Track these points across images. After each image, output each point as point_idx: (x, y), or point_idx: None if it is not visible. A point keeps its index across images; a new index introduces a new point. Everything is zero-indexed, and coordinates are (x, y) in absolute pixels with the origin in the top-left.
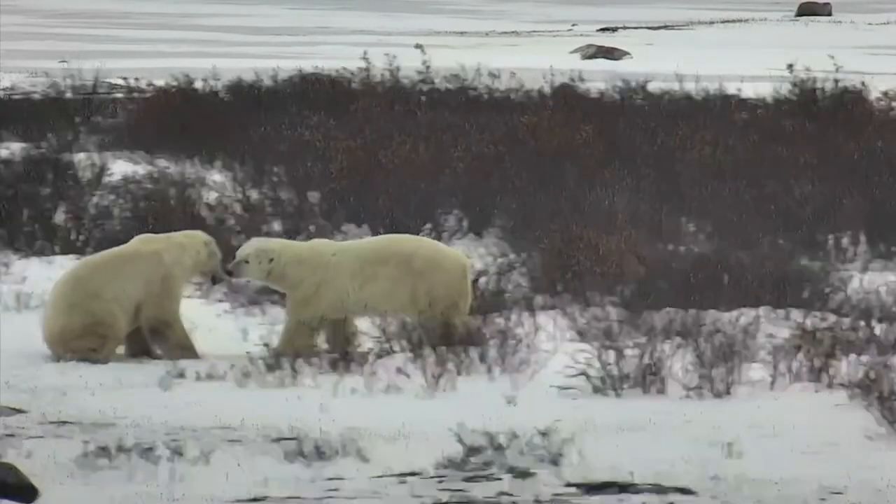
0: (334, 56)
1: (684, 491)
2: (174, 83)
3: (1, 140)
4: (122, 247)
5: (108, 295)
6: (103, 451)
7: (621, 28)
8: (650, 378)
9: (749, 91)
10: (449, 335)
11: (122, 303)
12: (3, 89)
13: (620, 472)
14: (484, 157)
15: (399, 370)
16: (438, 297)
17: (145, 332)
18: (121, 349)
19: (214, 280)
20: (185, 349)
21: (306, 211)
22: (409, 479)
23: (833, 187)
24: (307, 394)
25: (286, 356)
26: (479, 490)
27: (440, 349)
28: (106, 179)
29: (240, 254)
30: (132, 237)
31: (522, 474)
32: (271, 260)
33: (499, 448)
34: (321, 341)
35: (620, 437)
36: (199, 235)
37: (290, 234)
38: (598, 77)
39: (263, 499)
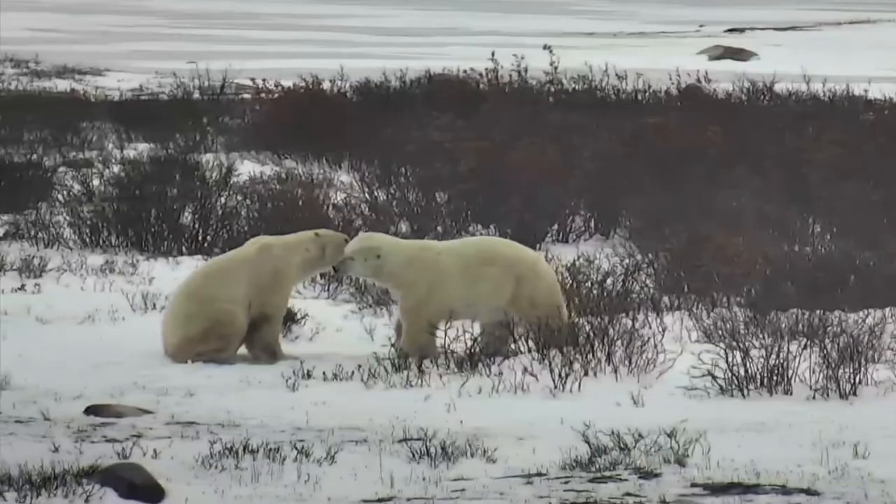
0: (463, 57)
1: (809, 492)
2: (302, 84)
3: (129, 141)
4: (233, 251)
5: (223, 298)
6: (230, 451)
7: (749, 29)
8: (776, 379)
9: (876, 92)
10: (554, 335)
11: (239, 303)
12: (131, 90)
13: (746, 472)
14: (611, 157)
15: (526, 370)
16: (539, 302)
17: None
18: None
19: (327, 275)
20: (269, 351)
21: (433, 211)
22: (534, 479)
23: None
24: (434, 394)
25: (412, 357)
26: (604, 491)
27: (567, 349)
28: (233, 180)
29: (347, 250)
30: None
31: (648, 475)
32: (378, 256)
33: (624, 448)
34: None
35: (746, 438)
36: (308, 233)
37: (417, 234)
38: (725, 78)
39: (389, 499)
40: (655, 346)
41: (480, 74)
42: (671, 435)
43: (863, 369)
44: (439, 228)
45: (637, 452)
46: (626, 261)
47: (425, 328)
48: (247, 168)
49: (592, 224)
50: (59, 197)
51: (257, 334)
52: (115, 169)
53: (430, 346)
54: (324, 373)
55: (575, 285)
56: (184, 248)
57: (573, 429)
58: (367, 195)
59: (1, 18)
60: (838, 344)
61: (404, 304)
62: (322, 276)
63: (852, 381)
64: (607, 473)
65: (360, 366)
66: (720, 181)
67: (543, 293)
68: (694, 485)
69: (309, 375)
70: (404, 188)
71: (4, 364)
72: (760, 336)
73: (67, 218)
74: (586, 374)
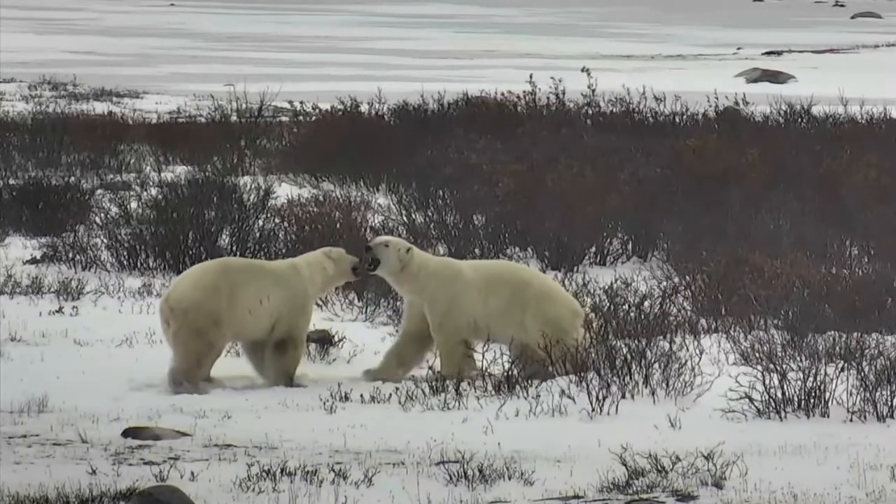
0: (500, 79)
1: None
2: (340, 106)
3: (167, 163)
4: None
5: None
6: (267, 473)
7: (786, 52)
8: (813, 401)
9: None
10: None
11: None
12: (169, 112)
13: (783, 495)
14: (648, 180)
15: (563, 393)
16: (548, 325)
17: (268, 348)
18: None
19: (357, 273)
20: (289, 375)
21: (471, 234)
22: (571, 502)
23: None
24: (471, 416)
25: (450, 379)
26: None
27: (604, 372)
28: (271, 203)
29: (378, 239)
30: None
31: (685, 497)
32: (409, 250)
33: (662, 471)
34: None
35: (783, 461)
36: (320, 252)
37: (455, 257)
38: (763, 100)
39: None
40: (693, 368)
41: (518, 97)
42: (708, 457)
43: None
44: (477, 251)
45: (674, 475)
46: (664, 283)
47: (457, 344)
48: (284, 191)
49: (630, 246)
50: (97, 219)
51: (281, 358)
52: (153, 191)
53: (466, 364)
54: (361, 395)
55: (612, 308)
56: None
57: (610, 451)
58: (404, 218)
59: (40, 41)
60: (875, 366)
61: (432, 322)
62: (358, 295)
63: (889, 403)
64: (644, 496)
65: (397, 388)
66: (757, 203)
67: (553, 320)
68: None
69: (347, 398)
70: (442, 211)
71: (42, 387)
72: (798, 358)
73: (105, 240)
74: (623, 396)
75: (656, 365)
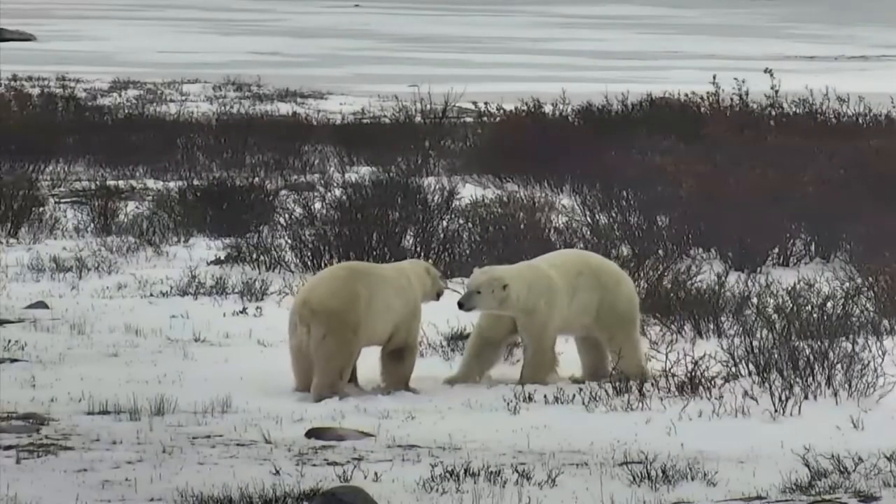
0: (684, 80)
1: None
2: (524, 107)
3: (351, 164)
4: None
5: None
6: (450, 474)
7: None
8: None
9: None
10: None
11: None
12: (353, 113)
13: None
14: (831, 181)
15: (746, 394)
16: (621, 311)
17: (384, 356)
18: None
19: (438, 297)
20: (406, 381)
21: (654, 235)
22: (754, 502)
23: None
24: (654, 417)
25: (535, 385)
26: None
27: (787, 373)
28: (455, 203)
29: (471, 284)
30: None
31: (868, 498)
32: (505, 286)
33: (844, 472)
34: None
35: None
36: (423, 263)
37: (639, 258)
38: None
39: None
40: (875, 369)
41: (701, 98)
42: (891, 458)
43: None
44: (660, 252)
45: (857, 476)
46: (847, 284)
47: (551, 350)
48: (468, 191)
49: (813, 247)
50: (281, 220)
51: (399, 365)
52: (337, 192)
53: (553, 367)
54: (545, 396)
55: (795, 309)
56: None
57: (793, 452)
58: (588, 218)
59: (224, 42)
60: None
61: (531, 330)
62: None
63: None
64: (827, 497)
65: (580, 389)
66: None
67: (624, 302)
68: None
69: (530, 398)
70: (626, 211)
71: (226, 387)
72: None
73: (289, 241)
74: (806, 397)
75: (839, 366)
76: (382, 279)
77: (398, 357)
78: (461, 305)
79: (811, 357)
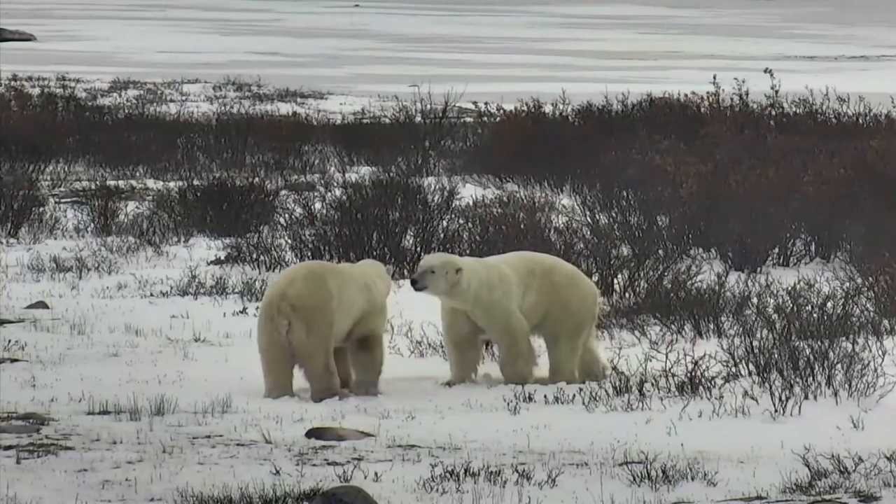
0: (684, 80)
1: None
2: (524, 107)
3: (351, 164)
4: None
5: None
6: (451, 474)
7: None
8: None
9: None
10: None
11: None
12: (354, 113)
13: None
14: (832, 181)
15: (746, 394)
16: (572, 311)
17: (352, 349)
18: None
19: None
20: (377, 374)
21: (655, 235)
22: (754, 502)
23: None
24: (654, 417)
25: (517, 382)
26: None
27: (787, 373)
28: (455, 203)
29: (424, 264)
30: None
31: (868, 498)
32: (458, 271)
33: (844, 472)
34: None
35: None
36: (380, 264)
37: (639, 258)
38: None
39: None
40: (876, 369)
41: (702, 98)
42: (891, 458)
43: None
44: (661, 252)
45: (857, 476)
46: (847, 284)
47: (526, 341)
48: (469, 191)
49: (813, 248)
50: (281, 220)
51: (370, 354)
52: (337, 192)
53: (532, 361)
54: (545, 396)
55: (795, 309)
56: (405, 272)
57: (793, 452)
58: (588, 218)
59: (224, 42)
60: None
61: (496, 324)
62: None
63: None
64: (827, 497)
65: (581, 389)
66: None
67: (576, 304)
68: None
69: (530, 398)
70: (626, 211)
71: (226, 387)
72: None
73: (289, 241)
74: (806, 397)
75: (839, 366)
76: (349, 277)
77: (365, 346)
78: (414, 283)
79: (811, 357)
